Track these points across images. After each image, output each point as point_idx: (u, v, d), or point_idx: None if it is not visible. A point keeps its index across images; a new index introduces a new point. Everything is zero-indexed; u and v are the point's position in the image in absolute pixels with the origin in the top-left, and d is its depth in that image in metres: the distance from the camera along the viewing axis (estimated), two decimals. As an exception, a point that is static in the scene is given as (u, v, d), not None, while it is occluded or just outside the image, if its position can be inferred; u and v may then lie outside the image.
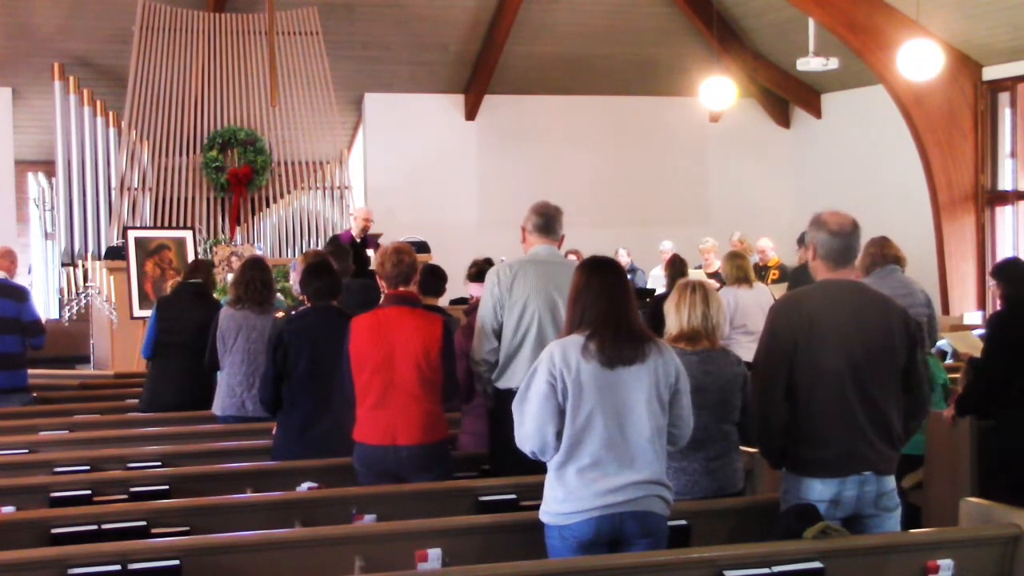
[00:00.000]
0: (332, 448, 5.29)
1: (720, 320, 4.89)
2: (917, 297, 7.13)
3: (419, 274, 6.42)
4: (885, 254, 7.20)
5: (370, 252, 11.03)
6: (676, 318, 4.78)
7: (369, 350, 5.12)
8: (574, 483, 3.94)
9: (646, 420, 3.97)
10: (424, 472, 5.11)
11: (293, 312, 6.31)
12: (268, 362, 5.69)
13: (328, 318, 5.45)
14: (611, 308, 4.00)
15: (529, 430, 3.98)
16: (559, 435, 3.94)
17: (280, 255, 14.39)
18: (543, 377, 3.96)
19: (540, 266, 5.29)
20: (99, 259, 13.39)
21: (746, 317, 8.73)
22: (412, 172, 16.24)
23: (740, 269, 8.98)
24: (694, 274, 12.08)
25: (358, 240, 11.58)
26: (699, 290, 4.85)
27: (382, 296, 5.59)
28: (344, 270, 7.04)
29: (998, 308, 6.41)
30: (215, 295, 8.95)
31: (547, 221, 5.35)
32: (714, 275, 11.50)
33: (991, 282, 6.65)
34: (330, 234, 14.20)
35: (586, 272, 4.10)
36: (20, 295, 7.97)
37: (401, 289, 5.32)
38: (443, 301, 7.62)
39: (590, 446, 3.93)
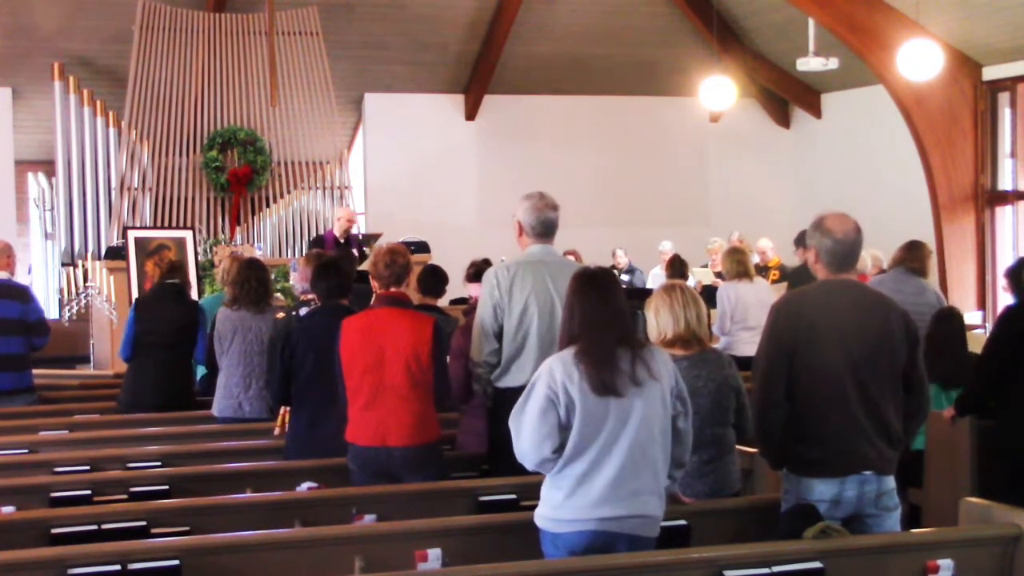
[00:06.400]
0: (340, 445, 5.28)
1: (706, 320, 4.89)
2: (927, 298, 7.25)
3: (417, 274, 6.45)
4: (903, 258, 7.45)
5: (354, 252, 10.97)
6: (671, 319, 4.73)
7: (359, 351, 5.12)
8: (571, 491, 3.91)
9: (654, 426, 3.95)
10: (417, 472, 5.11)
11: (294, 312, 6.31)
12: (276, 362, 5.69)
13: (336, 317, 5.44)
14: (602, 322, 3.95)
15: (526, 445, 3.93)
16: (558, 450, 3.89)
17: (280, 255, 14.38)
18: (542, 392, 3.91)
19: (537, 266, 5.28)
20: (99, 259, 13.37)
21: (746, 311, 8.75)
22: (412, 172, 16.24)
23: (740, 264, 9.00)
24: (699, 273, 12.12)
25: (341, 240, 11.54)
26: (687, 291, 4.82)
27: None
28: (349, 274, 7.04)
29: (1005, 307, 6.42)
30: (212, 292, 8.93)
31: (546, 229, 5.34)
32: (720, 275, 11.50)
33: (1003, 282, 6.70)
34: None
35: (580, 284, 4.07)
36: (23, 296, 7.95)
37: (392, 290, 5.32)
38: (443, 301, 7.62)
39: (591, 455, 3.89)
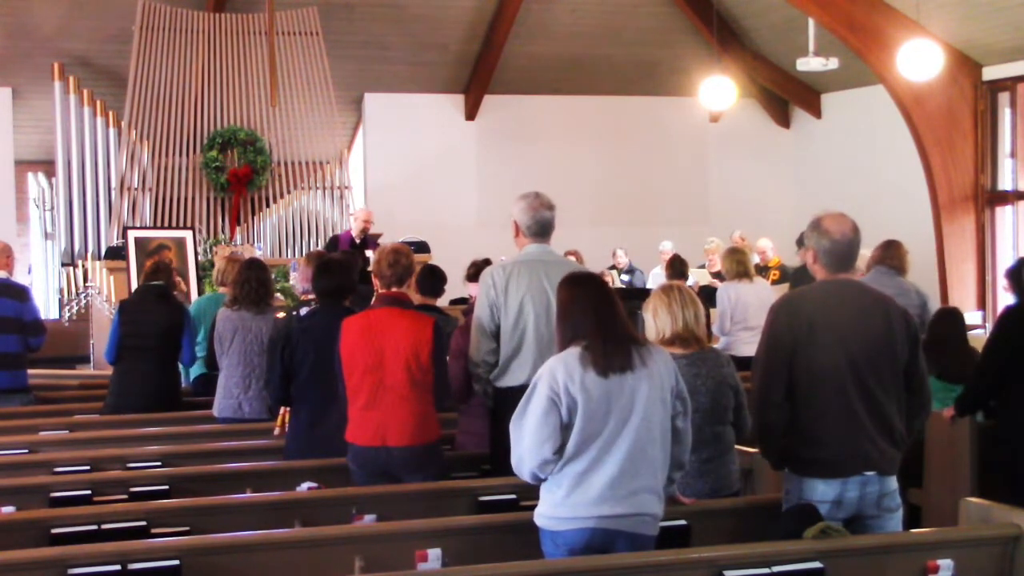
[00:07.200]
0: (340, 445, 5.29)
1: (704, 320, 4.90)
2: (911, 298, 7.21)
3: (417, 274, 6.45)
4: (883, 257, 7.37)
5: (369, 253, 11.02)
6: (669, 319, 4.75)
7: (360, 351, 5.13)
8: (571, 489, 3.91)
9: (654, 425, 3.95)
10: (417, 472, 5.12)
11: (294, 312, 6.31)
12: (276, 362, 5.69)
13: (335, 317, 5.45)
14: (599, 319, 3.98)
15: (527, 446, 3.90)
16: (558, 451, 3.89)
17: (280, 255, 14.39)
18: (544, 393, 3.90)
19: (533, 265, 5.30)
20: (99, 259, 13.39)
21: (746, 312, 8.74)
22: (412, 172, 16.24)
23: (740, 264, 8.99)
24: (697, 274, 12.12)
25: (358, 241, 11.59)
26: (684, 291, 4.85)
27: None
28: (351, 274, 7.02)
29: (1006, 307, 6.43)
30: (209, 290, 8.92)
31: (542, 229, 5.36)
32: (717, 275, 11.51)
33: (1004, 282, 6.69)
34: (330, 234, 14.20)
35: (570, 288, 4.10)
36: (21, 295, 7.95)
37: (394, 290, 5.34)
38: (443, 301, 7.61)
39: (592, 453, 3.90)
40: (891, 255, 7.47)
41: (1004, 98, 13.56)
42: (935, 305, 7.87)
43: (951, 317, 7.03)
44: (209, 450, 6.01)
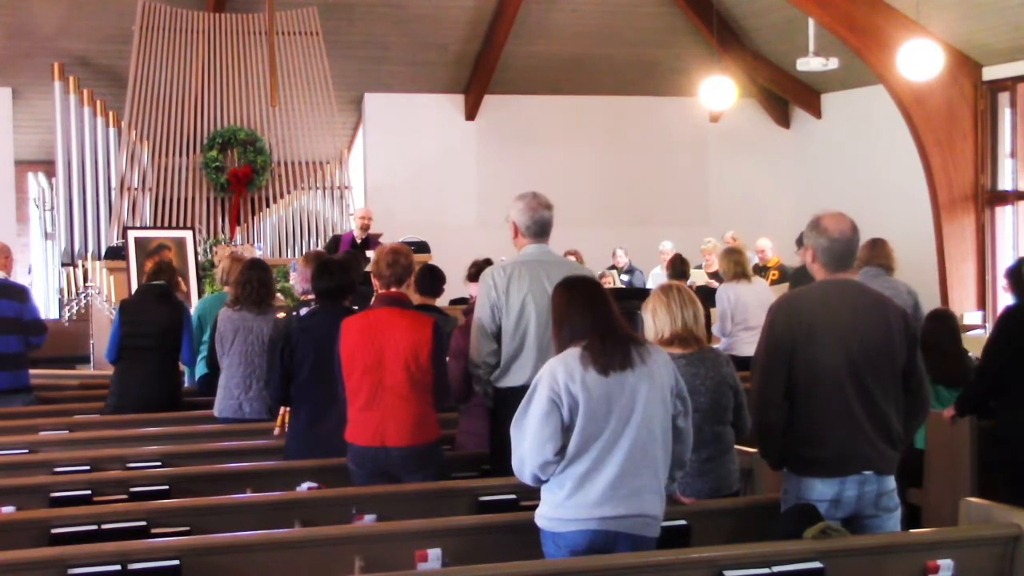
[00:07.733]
0: (340, 445, 5.28)
1: (703, 320, 4.90)
2: (903, 297, 7.17)
3: (416, 274, 6.45)
4: (871, 257, 7.31)
5: (370, 253, 11.00)
6: (668, 319, 4.75)
7: (359, 351, 5.13)
8: (573, 490, 3.91)
9: (655, 425, 3.96)
10: (416, 472, 5.12)
11: (294, 312, 6.31)
12: (276, 361, 5.69)
13: (335, 317, 5.44)
14: (596, 319, 3.99)
15: (528, 448, 3.90)
16: (559, 452, 3.89)
17: (280, 255, 14.38)
18: (544, 394, 3.89)
19: (534, 266, 5.29)
20: (99, 259, 13.39)
21: (745, 312, 8.74)
22: (412, 172, 16.24)
23: (738, 264, 8.99)
24: (694, 274, 12.12)
25: (359, 241, 11.58)
26: (684, 291, 4.85)
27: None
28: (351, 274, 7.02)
29: (1006, 307, 6.42)
30: (211, 291, 8.91)
31: (541, 229, 5.35)
32: (715, 275, 11.51)
33: (1003, 282, 6.67)
34: (330, 234, 14.20)
35: (565, 291, 4.11)
36: (21, 295, 7.95)
37: (393, 290, 5.34)
38: (443, 301, 7.60)
39: (594, 453, 3.89)
40: (878, 254, 7.39)
41: (1004, 98, 13.57)
42: (925, 302, 7.82)
43: (944, 320, 6.99)
44: (209, 450, 6.01)
